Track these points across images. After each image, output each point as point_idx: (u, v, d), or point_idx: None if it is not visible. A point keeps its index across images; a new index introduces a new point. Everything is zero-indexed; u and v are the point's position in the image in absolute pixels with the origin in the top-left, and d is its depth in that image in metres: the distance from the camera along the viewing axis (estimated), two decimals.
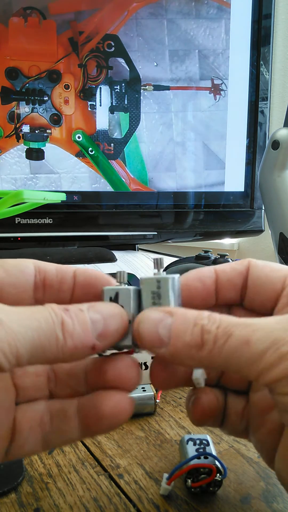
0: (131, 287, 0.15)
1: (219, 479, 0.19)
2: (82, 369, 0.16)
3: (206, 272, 0.17)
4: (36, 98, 0.47)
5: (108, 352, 0.15)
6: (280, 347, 0.13)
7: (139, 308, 0.15)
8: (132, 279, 0.45)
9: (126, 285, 0.16)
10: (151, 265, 0.59)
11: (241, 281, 0.16)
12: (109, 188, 0.51)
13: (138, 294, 0.15)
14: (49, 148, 0.48)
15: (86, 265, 0.49)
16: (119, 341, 0.15)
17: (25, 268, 0.15)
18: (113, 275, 0.16)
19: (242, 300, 0.17)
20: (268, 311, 0.16)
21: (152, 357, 0.16)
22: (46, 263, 0.16)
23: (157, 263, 0.16)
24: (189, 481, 0.19)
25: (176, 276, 0.16)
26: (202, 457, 0.19)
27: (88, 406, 0.15)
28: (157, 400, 0.25)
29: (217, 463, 0.19)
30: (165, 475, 0.19)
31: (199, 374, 0.17)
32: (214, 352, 0.13)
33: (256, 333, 0.13)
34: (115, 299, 0.15)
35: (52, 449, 0.18)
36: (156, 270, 0.16)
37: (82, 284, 0.16)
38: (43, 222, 0.48)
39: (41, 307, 0.13)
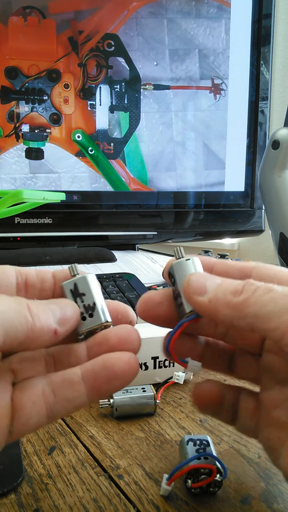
0: (87, 274, 0.17)
1: (219, 480, 0.19)
2: (83, 347, 0.17)
3: (203, 259, 0.18)
4: (36, 97, 0.47)
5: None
6: None
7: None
8: (132, 279, 0.45)
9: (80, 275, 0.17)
10: (151, 265, 0.59)
11: (240, 276, 0.17)
12: (109, 187, 0.51)
13: (97, 279, 0.17)
14: (48, 148, 0.48)
15: (86, 265, 0.49)
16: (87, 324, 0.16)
17: (7, 271, 0.17)
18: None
19: None
20: None
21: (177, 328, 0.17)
22: (25, 268, 0.17)
23: (177, 251, 0.17)
24: (189, 481, 0.19)
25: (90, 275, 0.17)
26: (202, 457, 0.19)
27: (96, 369, 0.16)
28: (157, 401, 0.25)
29: (217, 463, 0.19)
30: (165, 476, 0.19)
31: (194, 366, 0.17)
32: (252, 300, 0.14)
33: None
34: (75, 290, 0.17)
35: (57, 419, 0.18)
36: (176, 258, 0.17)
37: (62, 281, 0.17)
38: (42, 222, 0.48)
39: (8, 296, 0.15)
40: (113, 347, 0.16)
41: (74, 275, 0.17)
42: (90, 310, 0.16)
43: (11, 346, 0.14)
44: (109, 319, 0.17)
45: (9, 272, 0.16)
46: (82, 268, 0.49)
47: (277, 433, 0.17)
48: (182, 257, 0.17)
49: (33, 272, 0.17)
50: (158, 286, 0.48)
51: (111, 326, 0.17)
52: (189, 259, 0.17)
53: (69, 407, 0.16)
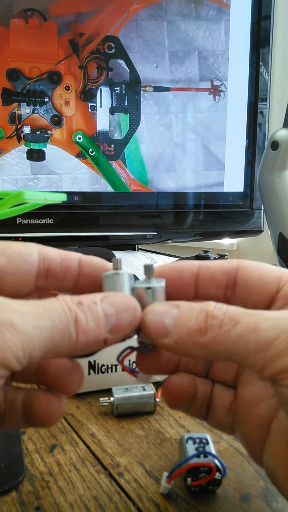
0: (130, 272, 0.16)
1: (219, 478, 0.19)
2: (36, 365, 0.16)
3: (186, 265, 0.16)
4: (37, 99, 0.47)
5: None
6: None
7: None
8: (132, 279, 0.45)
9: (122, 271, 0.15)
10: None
11: (226, 279, 0.16)
12: (109, 188, 0.51)
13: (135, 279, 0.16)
14: (49, 149, 0.49)
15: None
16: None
17: (28, 256, 0.15)
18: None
19: (226, 299, 0.17)
20: None
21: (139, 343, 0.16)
22: (50, 249, 0.16)
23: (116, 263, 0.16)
24: (189, 479, 0.19)
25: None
26: (201, 456, 0.20)
27: (27, 401, 0.15)
28: (157, 399, 0.26)
29: (216, 462, 0.19)
30: (165, 474, 0.20)
31: (143, 378, 0.17)
32: (219, 338, 0.13)
33: (265, 322, 0.13)
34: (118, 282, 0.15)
35: (22, 431, 0.18)
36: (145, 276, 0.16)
37: (87, 274, 0.16)
38: (44, 222, 0.48)
39: (54, 301, 0.13)
40: (49, 382, 0.15)
41: (116, 269, 0.15)
42: None
43: (46, 359, 0.13)
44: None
45: (30, 258, 0.15)
46: None
47: (258, 431, 0.16)
48: (119, 269, 0.15)
49: (58, 259, 0.15)
50: None
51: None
52: (118, 274, 0.15)
53: (11, 424, 0.16)
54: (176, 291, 0.16)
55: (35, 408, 0.15)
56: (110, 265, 0.16)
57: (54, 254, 0.16)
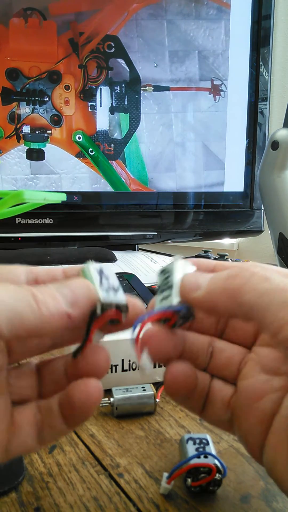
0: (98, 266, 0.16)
1: (219, 478, 0.19)
2: (63, 365, 0.17)
3: (204, 262, 0.18)
4: (37, 98, 0.47)
5: (104, 338, 0.16)
6: None
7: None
8: (132, 279, 0.45)
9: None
10: (151, 265, 0.59)
11: None
12: (109, 188, 0.51)
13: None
14: (49, 149, 0.48)
15: None
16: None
17: (16, 269, 0.16)
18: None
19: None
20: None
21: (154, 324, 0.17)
22: (35, 267, 0.17)
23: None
24: (189, 480, 0.19)
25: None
26: (202, 456, 0.20)
27: (64, 398, 0.16)
28: (157, 400, 0.26)
29: (216, 462, 0.19)
30: (165, 474, 0.20)
31: (146, 362, 0.16)
32: (247, 287, 0.14)
33: None
34: (100, 271, 0.16)
35: (48, 445, 0.18)
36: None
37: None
38: (43, 222, 0.48)
39: (12, 285, 0.14)
40: (80, 370, 0.15)
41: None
42: (114, 289, 0.16)
43: (17, 334, 0.13)
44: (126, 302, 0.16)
45: (18, 271, 0.16)
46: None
47: (259, 425, 0.16)
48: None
49: (43, 270, 0.16)
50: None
51: (126, 310, 0.16)
52: (181, 261, 0.17)
53: (53, 434, 0.16)
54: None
55: (74, 397, 0.15)
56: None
57: (38, 268, 0.17)
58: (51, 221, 0.48)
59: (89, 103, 0.49)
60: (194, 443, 0.21)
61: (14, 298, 0.13)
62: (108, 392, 0.26)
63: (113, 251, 0.55)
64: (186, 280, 0.16)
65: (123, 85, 0.49)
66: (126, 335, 0.26)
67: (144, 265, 0.58)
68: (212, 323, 0.19)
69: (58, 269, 0.17)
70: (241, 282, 0.14)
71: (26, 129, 0.48)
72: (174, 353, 0.17)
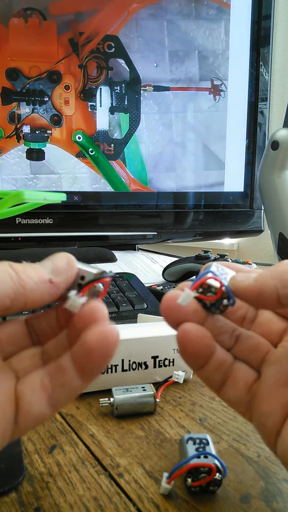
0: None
1: (219, 478, 0.19)
2: (55, 318, 0.17)
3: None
4: (37, 98, 0.47)
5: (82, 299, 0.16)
6: None
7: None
8: (132, 279, 0.45)
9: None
10: (151, 265, 0.59)
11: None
12: (109, 188, 0.51)
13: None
14: (49, 149, 0.48)
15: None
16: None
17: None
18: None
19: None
20: None
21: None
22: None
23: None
24: (189, 480, 0.19)
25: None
26: (202, 456, 0.20)
27: (77, 349, 0.16)
28: (157, 400, 0.26)
29: (216, 462, 0.19)
30: (165, 474, 0.20)
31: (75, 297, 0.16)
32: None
33: None
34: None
35: (62, 407, 0.18)
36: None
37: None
38: (43, 222, 0.48)
39: None
40: (84, 323, 0.15)
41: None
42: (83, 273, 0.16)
43: (3, 305, 0.14)
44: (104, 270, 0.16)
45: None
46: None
47: (281, 411, 0.16)
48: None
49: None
50: (158, 286, 0.48)
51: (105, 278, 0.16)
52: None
53: (66, 392, 0.16)
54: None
55: (91, 343, 0.15)
56: None
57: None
58: (51, 221, 0.48)
59: (89, 103, 0.49)
60: (194, 443, 0.21)
61: None
62: (108, 392, 0.26)
63: (113, 251, 0.55)
64: (237, 275, 0.17)
65: (123, 85, 0.49)
66: (126, 335, 0.26)
67: (144, 265, 0.58)
68: (240, 317, 0.19)
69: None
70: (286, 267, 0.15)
71: (26, 129, 0.48)
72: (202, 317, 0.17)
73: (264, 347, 0.18)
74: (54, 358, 0.16)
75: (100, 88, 0.49)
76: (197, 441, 0.21)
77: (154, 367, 0.28)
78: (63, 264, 0.15)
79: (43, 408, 0.15)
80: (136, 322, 0.33)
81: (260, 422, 0.17)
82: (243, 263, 0.46)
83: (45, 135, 0.48)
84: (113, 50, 0.49)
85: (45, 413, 0.16)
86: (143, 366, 0.28)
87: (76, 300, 0.16)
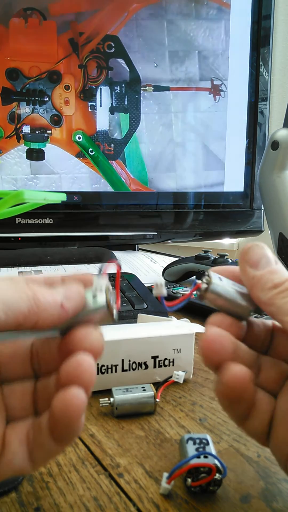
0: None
1: (219, 478, 0.19)
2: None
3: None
4: (37, 98, 0.47)
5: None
6: None
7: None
8: (132, 279, 0.45)
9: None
10: (151, 265, 0.59)
11: None
12: (109, 188, 0.51)
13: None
14: (49, 149, 0.48)
15: (86, 265, 0.50)
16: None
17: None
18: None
19: None
20: None
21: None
22: (34, 277, 0.17)
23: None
24: (189, 480, 0.19)
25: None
26: (201, 456, 0.20)
27: (49, 412, 0.15)
28: (157, 400, 0.26)
29: (216, 462, 0.19)
30: (165, 474, 0.20)
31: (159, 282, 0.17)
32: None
33: None
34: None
35: (41, 467, 0.18)
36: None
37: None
38: (43, 222, 0.48)
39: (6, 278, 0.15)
40: (64, 383, 0.15)
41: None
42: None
43: (16, 321, 0.14)
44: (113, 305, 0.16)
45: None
46: (82, 268, 0.49)
47: None
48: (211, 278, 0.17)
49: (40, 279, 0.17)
50: None
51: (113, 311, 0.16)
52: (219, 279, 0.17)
53: (43, 454, 0.15)
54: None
55: (55, 408, 0.14)
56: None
57: (38, 277, 0.17)
58: (51, 221, 0.48)
59: (89, 103, 0.49)
60: (194, 443, 0.21)
61: (9, 287, 0.14)
62: (108, 392, 0.26)
63: (113, 251, 0.55)
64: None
65: (123, 85, 0.49)
66: (126, 335, 0.26)
67: (144, 265, 0.58)
68: (259, 339, 0.18)
69: (56, 276, 0.17)
70: None
71: (26, 129, 0.48)
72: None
73: (285, 374, 0.17)
74: (41, 401, 0.16)
75: (100, 88, 0.49)
76: (197, 441, 0.21)
77: (154, 367, 0.28)
78: (74, 292, 0.16)
79: (24, 462, 0.15)
80: (136, 322, 0.33)
81: (277, 449, 0.17)
82: None
83: (45, 135, 0.48)
84: (113, 50, 0.49)
85: (25, 468, 0.15)
86: (143, 366, 0.28)
87: (98, 296, 0.16)
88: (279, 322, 0.16)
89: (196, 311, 0.38)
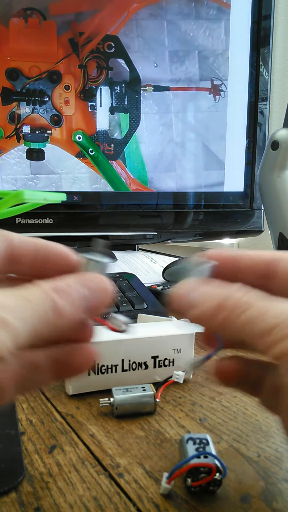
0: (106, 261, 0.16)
1: (219, 479, 0.19)
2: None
3: (227, 252, 0.18)
4: (37, 98, 0.47)
5: None
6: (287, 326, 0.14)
7: None
8: (132, 279, 0.45)
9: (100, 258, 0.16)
10: (151, 265, 0.59)
11: (266, 270, 0.17)
12: (109, 188, 0.51)
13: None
14: (49, 149, 0.48)
15: None
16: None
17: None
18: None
19: (268, 289, 0.17)
20: None
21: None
22: (10, 233, 0.17)
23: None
24: (189, 480, 0.19)
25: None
26: (201, 456, 0.20)
27: (59, 358, 0.16)
28: (157, 400, 0.26)
29: (216, 462, 0.19)
30: (165, 474, 0.20)
31: (122, 318, 0.17)
32: (232, 318, 0.15)
33: (273, 309, 0.14)
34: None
35: (23, 394, 0.19)
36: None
37: (43, 259, 0.17)
38: (43, 222, 0.48)
39: (34, 289, 0.14)
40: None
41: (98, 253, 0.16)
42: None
43: (29, 342, 0.14)
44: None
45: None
46: None
47: None
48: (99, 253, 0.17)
49: (20, 242, 0.17)
50: (158, 286, 0.48)
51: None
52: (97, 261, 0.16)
53: (36, 385, 0.16)
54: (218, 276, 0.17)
55: (74, 360, 0.16)
56: (65, 249, 0.17)
57: (15, 236, 0.17)
58: (51, 221, 0.48)
59: (89, 103, 0.49)
60: (194, 443, 0.21)
61: (37, 317, 0.13)
62: (108, 392, 0.26)
63: (113, 251, 0.55)
64: (176, 297, 0.16)
65: (123, 85, 0.49)
66: (126, 335, 0.26)
67: (144, 265, 0.58)
68: None
69: (30, 241, 0.17)
70: (226, 314, 0.15)
71: (26, 129, 0.48)
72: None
73: None
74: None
75: (100, 88, 0.49)
76: (197, 441, 0.21)
77: (154, 367, 0.28)
78: (101, 301, 0.15)
79: (11, 395, 0.16)
80: (136, 322, 0.33)
81: (284, 422, 0.17)
82: None
83: (45, 135, 0.48)
84: (113, 50, 0.49)
85: (12, 399, 0.16)
86: (143, 366, 0.28)
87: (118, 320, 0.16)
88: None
89: None
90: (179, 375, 0.28)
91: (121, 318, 0.17)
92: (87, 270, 0.16)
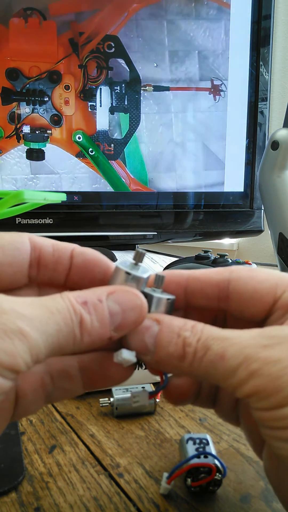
0: (146, 276, 0.15)
1: (219, 479, 0.19)
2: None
3: (174, 276, 0.17)
4: (37, 98, 0.47)
5: None
6: (250, 364, 0.13)
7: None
8: None
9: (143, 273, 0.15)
10: (151, 265, 0.59)
11: (217, 292, 0.16)
12: (109, 188, 0.51)
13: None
14: (49, 149, 0.48)
15: None
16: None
17: (21, 245, 0.15)
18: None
19: (221, 309, 0.17)
20: (259, 322, 0.16)
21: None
22: (42, 239, 0.16)
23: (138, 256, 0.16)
24: (189, 480, 0.19)
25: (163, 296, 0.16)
26: (202, 456, 0.20)
27: (93, 367, 0.16)
28: (157, 400, 0.26)
29: (216, 462, 0.19)
30: (165, 474, 0.20)
31: (127, 355, 0.15)
32: (194, 364, 0.14)
33: (231, 349, 0.14)
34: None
35: (54, 402, 0.19)
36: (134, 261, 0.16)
37: (79, 267, 0.16)
38: (43, 222, 0.48)
39: (59, 300, 0.13)
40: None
41: (136, 264, 0.15)
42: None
43: (52, 356, 0.13)
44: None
45: (23, 247, 0.15)
46: None
47: (259, 430, 0.16)
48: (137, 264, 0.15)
49: (49, 248, 0.15)
50: None
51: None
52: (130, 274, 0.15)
53: (67, 395, 0.16)
54: None
55: (110, 372, 0.15)
56: (103, 257, 0.16)
57: (46, 242, 0.16)
58: (51, 221, 0.48)
59: (89, 103, 0.49)
60: (194, 443, 0.21)
61: (60, 331, 0.12)
62: (108, 392, 0.26)
63: (113, 251, 0.55)
64: (133, 340, 0.15)
65: (123, 85, 0.49)
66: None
67: (144, 265, 0.58)
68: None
69: (66, 249, 0.15)
70: (188, 362, 0.14)
71: (26, 129, 0.47)
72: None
73: None
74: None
75: (100, 88, 0.49)
76: (197, 441, 0.21)
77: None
78: (133, 320, 0.14)
79: (39, 404, 0.16)
80: None
81: (246, 436, 0.18)
82: (243, 263, 0.46)
83: (45, 135, 0.48)
84: (113, 50, 0.49)
85: (40, 408, 0.16)
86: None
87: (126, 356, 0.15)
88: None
89: None
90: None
91: (127, 355, 0.15)
92: (122, 283, 0.15)
